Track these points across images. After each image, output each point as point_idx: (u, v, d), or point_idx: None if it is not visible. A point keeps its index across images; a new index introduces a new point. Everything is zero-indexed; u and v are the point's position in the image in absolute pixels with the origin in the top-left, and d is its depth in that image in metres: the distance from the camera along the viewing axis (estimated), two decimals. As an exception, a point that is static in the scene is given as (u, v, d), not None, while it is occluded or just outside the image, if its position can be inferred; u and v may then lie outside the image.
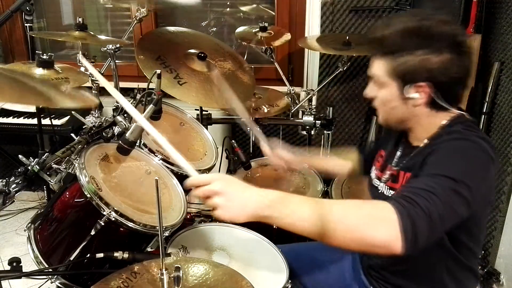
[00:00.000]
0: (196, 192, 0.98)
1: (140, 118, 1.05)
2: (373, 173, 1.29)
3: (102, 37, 2.07)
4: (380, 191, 1.21)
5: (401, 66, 1.04)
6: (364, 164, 1.47)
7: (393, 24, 1.04)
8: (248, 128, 1.24)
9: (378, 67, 1.09)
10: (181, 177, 1.59)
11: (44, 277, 1.34)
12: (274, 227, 1.68)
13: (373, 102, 1.18)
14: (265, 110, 2.17)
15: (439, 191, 0.89)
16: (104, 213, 1.20)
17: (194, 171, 1.01)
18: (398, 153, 1.20)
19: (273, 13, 2.66)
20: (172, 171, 1.57)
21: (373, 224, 0.86)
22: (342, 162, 1.54)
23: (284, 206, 0.93)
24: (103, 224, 1.21)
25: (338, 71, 2.21)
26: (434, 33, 1.00)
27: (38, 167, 1.31)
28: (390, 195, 1.16)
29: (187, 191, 1.55)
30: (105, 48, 1.97)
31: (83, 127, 1.58)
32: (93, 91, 1.93)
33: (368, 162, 1.42)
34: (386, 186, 1.19)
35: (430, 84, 1.03)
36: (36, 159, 1.33)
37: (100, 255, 1.18)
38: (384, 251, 0.85)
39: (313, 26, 2.53)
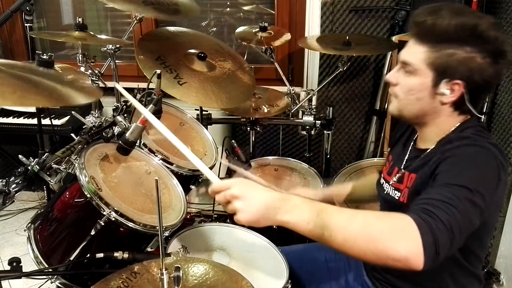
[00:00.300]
0: (217, 198, 0.98)
1: (175, 140, 1.05)
2: (382, 178, 1.28)
3: (102, 37, 2.07)
4: (386, 191, 1.21)
5: (444, 58, 1.00)
6: None
7: (447, 15, 0.99)
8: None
9: (416, 53, 1.04)
10: (181, 177, 1.59)
11: (44, 277, 1.34)
12: (274, 227, 1.68)
13: (392, 88, 1.13)
14: (265, 110, 2.17)
15: (456, 202, 0.87)
16: (104, 213, 1.20)
17: (216, 177, 1.01)
18: (406, 156, 1.19)
19: (273, 13, 2.65)
20: (172, 171, 1.57)
21: (394, 237, 0.83)
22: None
23: (303, 212, 0.91)
24: (103, 224, 1.21)
25: (338, 71, 2.21)
26: (487, 35, 0.98)
27: (38, 167, 1.31)
28: (395, 196, 1.15)
29: (187, 191, 1.55)
30: (105, 48, 1.97)
31: (83, 127, 1.58)
32: (93, 91, 1.93)
33: None
34: (392, 187, 1.18)
35: (465, 84, 1.01)
36: (36, 159, 1.33)
37: (100, 255, 1.18)
38: (402, 265, 0.82)
39: (313, 26, 2.52)
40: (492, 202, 0.95)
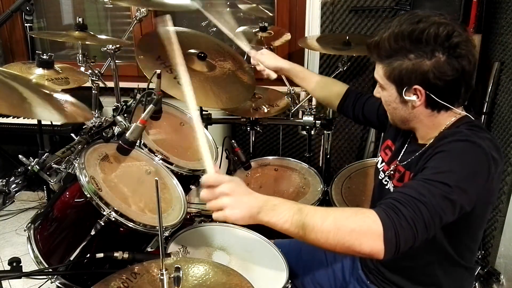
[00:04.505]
0: (205, 194, 1.00)
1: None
2: (380, 165, 1.30)
3: (102, 37, 2.06)
4: (387, 188, 1.23)
5: (396, 70, 1.05)
6: (344, 105, 1.55)
7: (389, 28, 1.04)
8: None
9: (378, 71, 1.11)
10: (181, 177, 1.59)
11: (44, 277, 1.34)
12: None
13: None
14: (265, 110, 2.17)
15: (428, 199, 0.92)
16: (104, 213, 1.20)
17: (212, 169, 1.02)
18: (404, 149, 1.21)
19: (273, 14, 2.65)
20: (172, 171, 1.57)
21: (360, 236, 0.91)
22: (322, 85, 1.62)
23: (281, 213, 0.96)
24: (103, 224, 1.21)
25: (338, 71, 2.21)
26: (427, 37, 0.99)
27: (38, 167, 1.31)
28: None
29: (187, 191, 1.55)
30: (105, 48, 1.97)
31: (83, 127, 1.58)
32: (93, 91, 1.93)
33: (352, 108, 1.52)
34: (392, 184, 1.20)
35: (425, 86, 1.04)
36: (36, 159, 1.33)
37: (100, 255, 1.18)
38: (366, 257, 0.99)
39: (313, 26, 2.53)
40: (480, 196, 1.00)
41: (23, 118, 2.54)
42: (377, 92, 1.18)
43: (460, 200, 0.94)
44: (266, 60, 1.64)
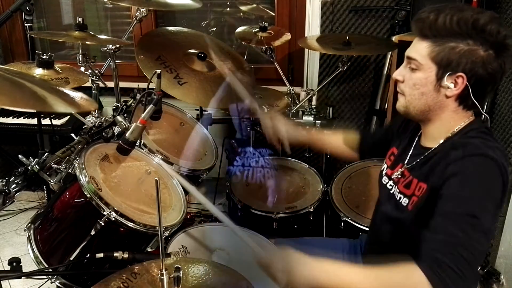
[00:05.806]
0: (262, 270, 1.04)
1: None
2: (384, 170, 1.29)
3: (102, 37, 2.06)
4: (392, 192, 1.21)
5: (446, 52, 1.02)
6: (363, 148, 1.48)
7: (449, 11, 1.02)
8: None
9: (421, 49, 1.07)
10: (181, 177, 1.59)
11: (44, 277, 1.35)
12: (275, 226, 1.68)
13: (399, 86, 1.15)
14: (265, 110, 2.17)
15: (464, 239, 0.92)
16: (104, 213, 1.20)
17: (260, 251, 1.06)
18: (411, 152, 1.20)
19: (273, 14, 2.65)
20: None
21: None
22: (338, 141, 1.54)
23: (334, 277, 0.99)
24: (103, 224, 1.21)
25: (338, 71, 2.21)
26: (488, 29, 0.99)
27: (38, 167, 1.31)
28: (402, 201, 1.14)
29: (187, 191, 1.54)
30: (105, 48, 1.97)
31: (83, 127, 1.58)
32: (93, 91, 1.93)
33: (369, 146, 1.46)
34: (397, 189, 1.18)
35: (468, 76, 1.02)
36: (36, 159, 1.33)
37: (100, 255, 1.18)
38: None
39: (313, 26, 2.52)
40: (498, 213, 1.00)
41: (26, 118, 2.54)
42: (401, 74, 1.13)
43: (489, 224, 0.95)
44: (289, 130, 1.50)
